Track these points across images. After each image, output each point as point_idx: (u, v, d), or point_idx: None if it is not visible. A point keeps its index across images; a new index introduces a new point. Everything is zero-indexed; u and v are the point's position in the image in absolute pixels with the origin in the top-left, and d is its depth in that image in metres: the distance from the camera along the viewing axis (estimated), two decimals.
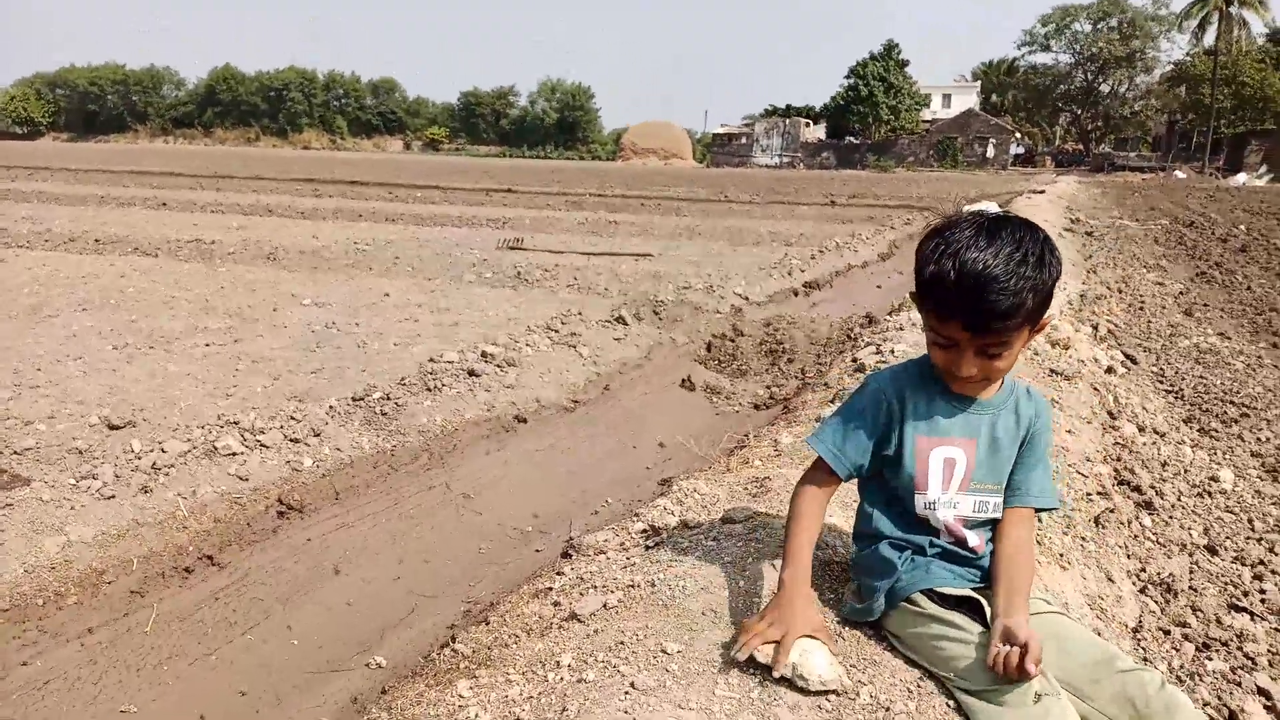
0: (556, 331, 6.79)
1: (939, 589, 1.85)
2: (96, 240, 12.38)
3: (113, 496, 3.74)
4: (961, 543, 1.91)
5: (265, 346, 6.67)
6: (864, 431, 1.91)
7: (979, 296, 1.65)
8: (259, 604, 3.35)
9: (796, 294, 10.36)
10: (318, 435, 4.58)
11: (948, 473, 1.89)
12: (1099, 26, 68.78)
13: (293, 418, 4.64)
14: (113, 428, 4.64)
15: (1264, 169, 52.39)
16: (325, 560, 3.68)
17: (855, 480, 2.01)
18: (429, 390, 5.33)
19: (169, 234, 13.51)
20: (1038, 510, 1.97)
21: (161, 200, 20.31)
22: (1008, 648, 1.63)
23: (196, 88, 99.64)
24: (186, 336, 6.90)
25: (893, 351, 5.10)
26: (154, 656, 3.00)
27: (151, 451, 4.10)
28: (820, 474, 1.96)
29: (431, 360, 5.86)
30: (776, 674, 1.71)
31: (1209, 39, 64.24)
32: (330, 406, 4.92)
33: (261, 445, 4.35)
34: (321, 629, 3.25)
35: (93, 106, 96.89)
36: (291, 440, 4.47)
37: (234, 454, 4.21)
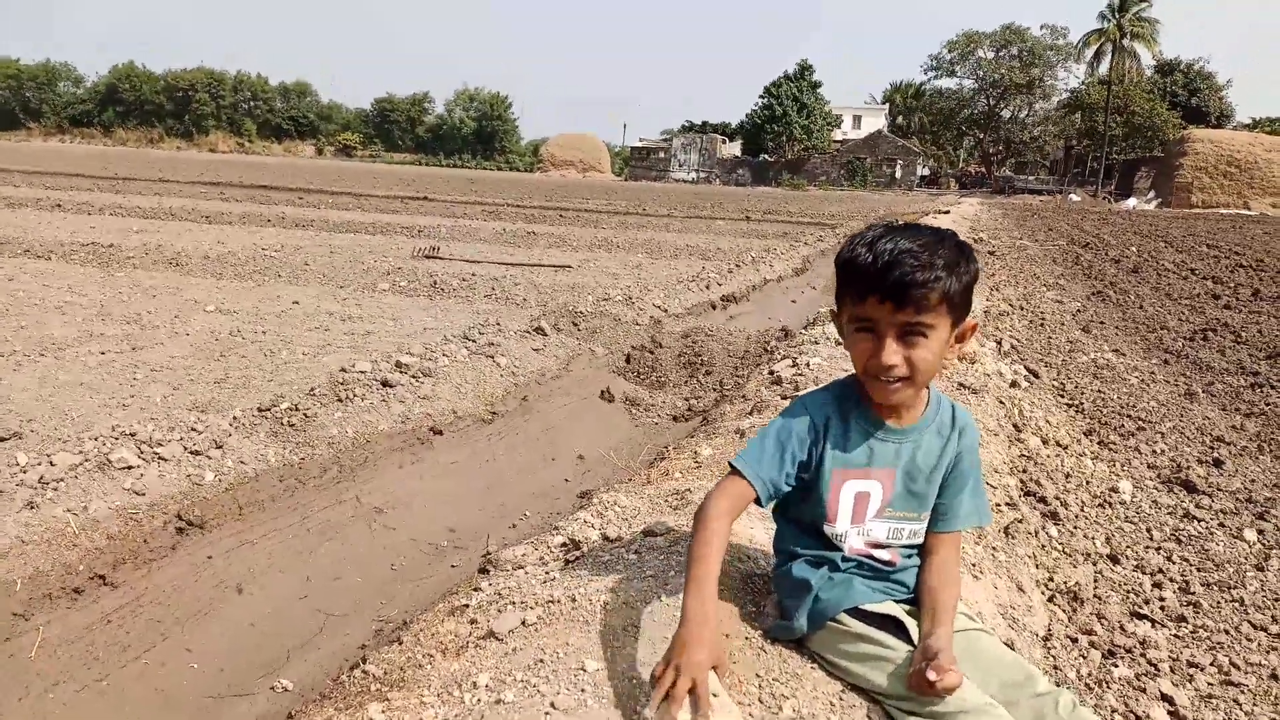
0: (474, 341, 6.68)
1: (863, 605, 1.84)
2: None
3: None
4: (873, 558, 1.91)
5: (165, 355, 6.38)
6: (789, 456, 1.85)
7: (896, 266, 1.70)
8: (155, 625, 3.18)
9: (714, 307, 10.44)
10: (220, 448, 4.38)
11: (859, 506, 1.89)
12: (1001, 54, 71.70)
13: (194, 429, 4.43)
14: None
15: (1152, 194, 55.28)
16: (227, 579, 3.51)
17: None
18: (340, 401, 5.16)
19: (63, 236, 12.86)
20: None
21: (55, 201, 19.35)
22: (924, 665, 1.64)
23: (96, 85, 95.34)
24: (80, 343, 6.55)
25: (808, 364, 5.16)
26: (39, 684, 2.80)
27: (39, 464, 3.85)
28: (737, 492, 1.84)
29: (343, 370, 5.68)
30: None
31: (1103, 69, 67.76)
32: (234, 418, 4.72)
33: (160, 458, 4.13)
34: (223, 651, 3.09)
35: None
36: (192, 453, 4.26)
37: (129, 467, 3.99)
